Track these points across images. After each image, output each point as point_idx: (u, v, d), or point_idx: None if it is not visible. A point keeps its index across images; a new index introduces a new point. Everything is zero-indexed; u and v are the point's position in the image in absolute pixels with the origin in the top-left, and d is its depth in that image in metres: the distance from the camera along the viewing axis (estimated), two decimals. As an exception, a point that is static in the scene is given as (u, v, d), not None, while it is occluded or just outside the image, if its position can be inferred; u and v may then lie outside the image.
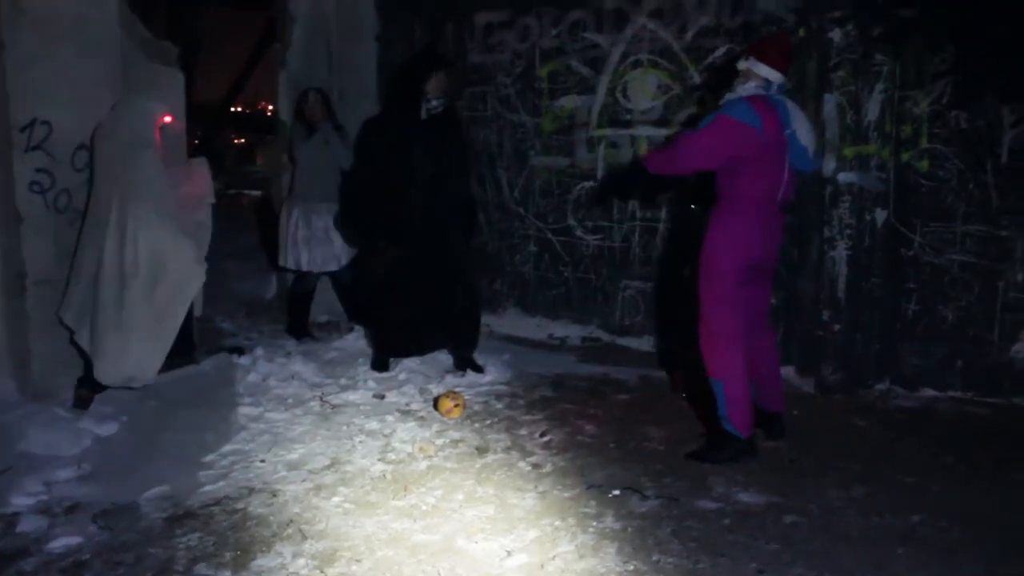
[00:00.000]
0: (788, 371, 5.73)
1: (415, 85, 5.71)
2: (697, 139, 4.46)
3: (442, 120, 5.79)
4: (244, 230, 10.56)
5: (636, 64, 6.37)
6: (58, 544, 3.53)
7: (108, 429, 4.70)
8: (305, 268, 6.67)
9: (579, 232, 6.78)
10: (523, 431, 4.89)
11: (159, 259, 4.86)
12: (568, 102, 6.73)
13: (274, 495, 3.99)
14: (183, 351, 5.40)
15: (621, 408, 5.34)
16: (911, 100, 5.49)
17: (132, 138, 4.95)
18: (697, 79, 6.14)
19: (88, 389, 4.98)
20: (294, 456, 4.47)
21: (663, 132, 6.24)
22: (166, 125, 5.23)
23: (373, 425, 4.92)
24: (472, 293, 6.08)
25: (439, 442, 4.68)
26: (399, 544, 3.53)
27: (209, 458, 4.44)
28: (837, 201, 5.58)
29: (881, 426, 5.05)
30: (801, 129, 4.52)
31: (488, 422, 5.03)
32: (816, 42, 5.61)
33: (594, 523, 3.75)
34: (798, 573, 3.36)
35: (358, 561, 3.39)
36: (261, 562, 3.39)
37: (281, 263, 6.81)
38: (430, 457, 4.47)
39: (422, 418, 5.06)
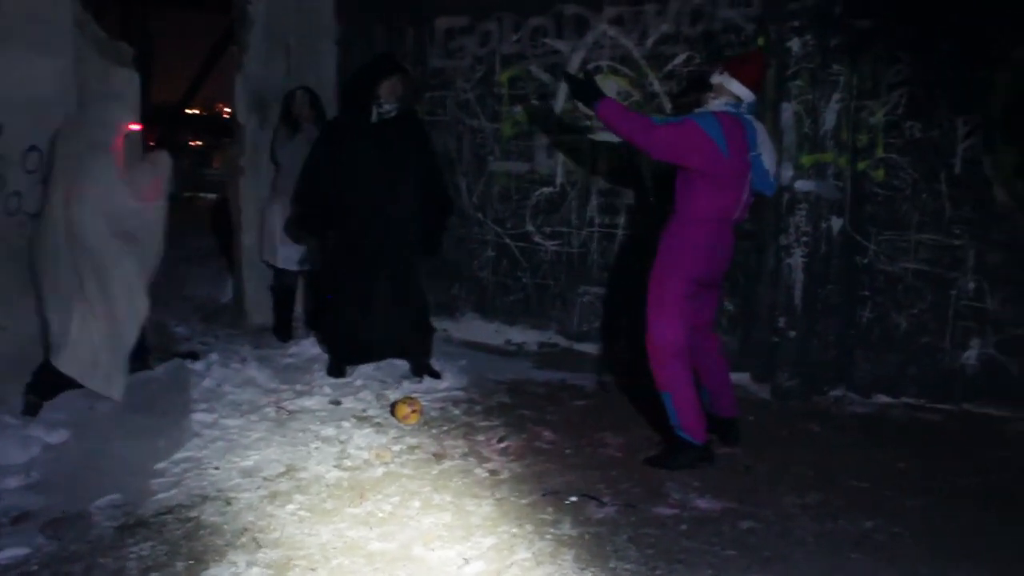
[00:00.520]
0: (744, 377, 5.78)
1: (368, 89, 5.70)
2: (661, 129, 4.46)
3: (396, 125, 5.77)
4: (200, 233, 10.42)
5: (596, 70, 6.37)
6: (4, 556, 3.43)
7: (58, 436, 4.61)
8: (280, 265, 6.67)
9: (537, 238, 6.77)
10: (480, 437, 4.87)
11: (104, 273, 4.81)
12: (528, 107, 6.73)
13: (228, 503, 3.93)
14: (136, 356, 5.33)
15: (578, 414, 5.34)
16: (867, 110, 5.55)
17: (92, 144, 4.88)
18: (657, 86, 6.16)
19: (37, 395, 4.89)
20: (249, 463, 4.41)
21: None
22: (131, 132, 5.17)
23: (329, 431, 4.87)
24: (424, 299, 6.06)
25: (396, 448, 4.65)
26: (355, 552, 3.50)
27: (162, 465, 4.37)
28: (794, 209, 5.62)
29: (836, 432, 5.10)
30: (766, 152, 4.56)
31: (445, 428, 5.01)
32: (775, 51, 5.65)
33: (551, 530, 3.74)
34: (754, 579, 3.38)
35: (313, 570, 3.35)
36: (214, 571, 3.33)
37: (261, 258, 6.82)
38: (387, 464, 4.44)
39: (379, 424, 5.03)
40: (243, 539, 3.60)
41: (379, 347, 5.92)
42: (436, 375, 5.85)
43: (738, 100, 4.51)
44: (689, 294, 4.50)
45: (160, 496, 4.01)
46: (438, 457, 4.55)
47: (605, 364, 6.25)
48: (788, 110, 5.61)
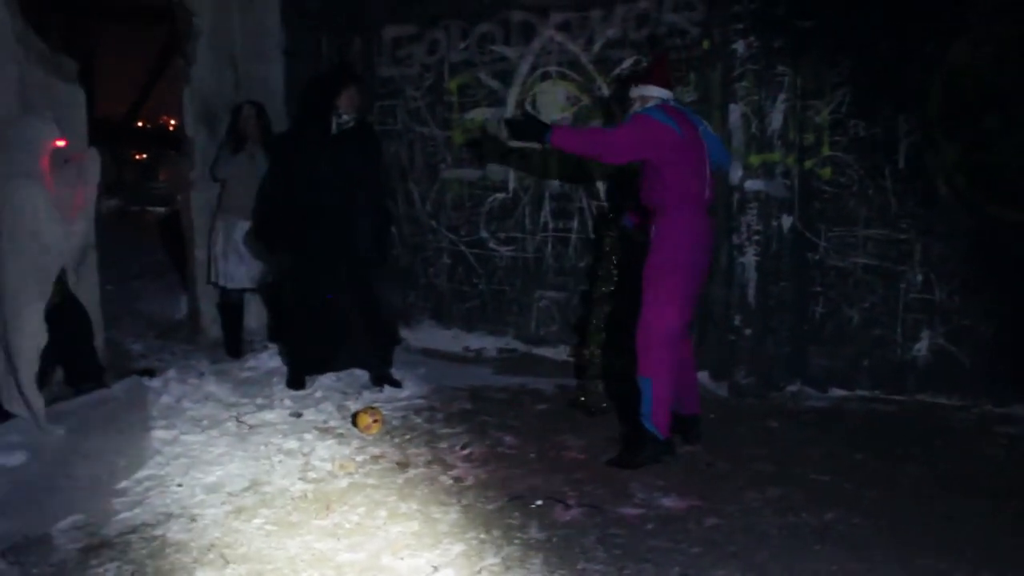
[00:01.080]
0: (703, 376, 5.82)
1: (326, 100, 5.70)
2: (618, 131, 4.63)
3: (353, 135, 5.78)
4: (150, 248, 10.30)
5: (545, 76, 6.43)
6: (-35, 582, 3.41)
7: (14, 459, 4.48)
8: (221, 283, 6.62)
9: (492, 244, 6.80)
10: (443, 445, 4.89)
11: (16, 294, 4.69)
12: (478, 114, 6.75)
13: (193, 520, 3.91)
14: (91, 374, 5.26)
15: (540, 418, 5.37)
16: (812, 109, 5.66)
17: (12, 168, 4.74)
18: (605, 90, 6.22)
19: (-9, 418, 4.81)
20: (212, 479, 4.38)
21: (573, 143, 6.30)
22: (57, 149, 5.03)
23: (292, 444, 4.85)
24: (384, 308, 6.06)
25: (359, 459, 4.65)
26: (324, 564, 3.49)
27: (123, 484, 4.33)
28: (744, 208, 5.71)
29: (793, 427, 5.18)
30: (708, 126, 4.83)
31: (408, 437, 5.02)
32: (720, 53, 5.74)
33: (519, 534, 3.76)
34: (721, 575, 3.42)
35: (283, 583, 3.35)
36: (183, 589, 3.32)
37: (208, 279, 6.74)
38: (351, 474, 4.43)
39: (341, 435, 5.02)
40: (210, 555, 3.57)
41: (340, 356, 5.91)
42: (396, 384, 5.85)
43: (660, 100, 4.67)
44: (687, 281, 4.59)
45: (123, 515, 3.98)
46: (402, 466, 4.56)
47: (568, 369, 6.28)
48: (736, 111, 5.70)
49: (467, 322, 6.99)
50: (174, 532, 3.79)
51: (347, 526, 3.83)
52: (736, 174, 5.71)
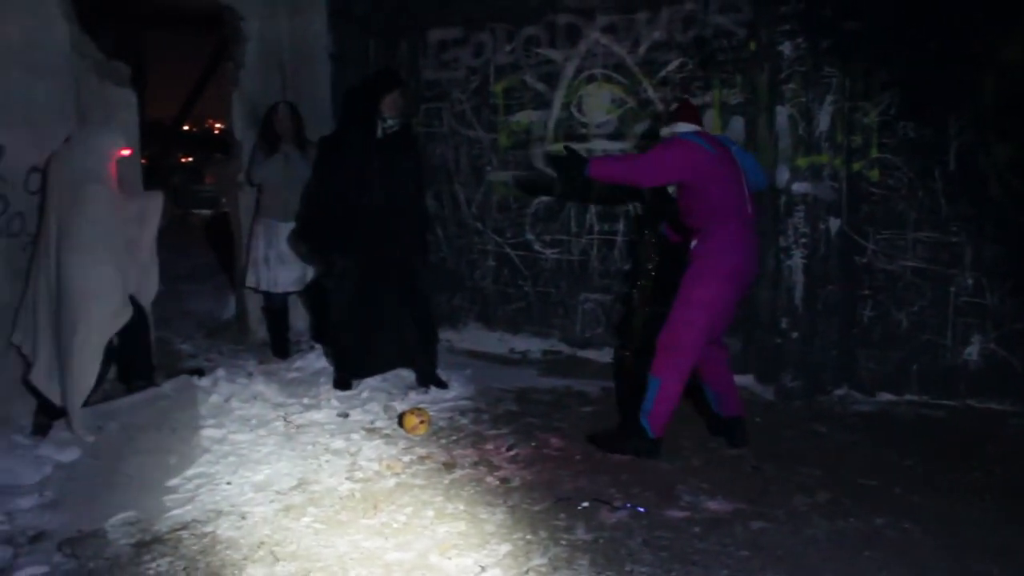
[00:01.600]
0: (748, 379, 5.83)
1: (371, 105, 5.74)
2: (651, 155, 4.75)
3: (397, 139, 5.82)
4: (197, 250, 10.45)
5: (590, 79, 6.43)
6: (24, 574, 3.47)
7: (69, 455, 4.63)
8: (263, 288, 6.65)
9: (537, 246, 6.81)
10: (489, 446, 4.90)
11: (83, 297, 4.80)
12: (524, 117, 6.77)
13: (243, 517, 3.96)
14: (143, 374, 5.36)
15: (585, 420, 5.36)
16: (861, 111, 5.60)
17: (82, 173, 4.89)
18: (651, 93, 6.20)
19: (47, 415, 4.92)
20: (260, 477, 4.44)
21: (618, 146, 6.30)
22: (122, 157, 5.18)
23: (339, 444, 4.89)
24: (429, 309, 6.10)
25: (406, 459, 4.68)
26: (373, 563, 3.52)
27: (174, 482, 4.39)
28: (791, 211, 5.67)
29: (841, 431, 5.14)
30: (740, 148, 4.96)
31: (454, 438, 5.04)
32: (767, 55, 5.71)
33: (565, 536, 3.77)
34: (769, 578, 3.42)
35: (332, 581, 3.39)
36: (233, 585, 3.37)
37: (246, 283, 6.79)
38: (398, 474, 4.46)
39: (388, 436, 5.05)
40: (260, 552, 3.62)
41: (386, 358, 5.96)
42: (443, 385, 5.88)
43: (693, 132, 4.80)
44: (724, 302, 4.64)
45: (174, 512, 4.03)
46: (448, 467, 4.58)
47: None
48: (783, 113, 5.66)
49: (512, 324, 7.00)
50: (224, 529, 3.84)
51: (394, 525, 3.86)
52: (783, 177, 5.67)
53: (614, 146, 6.33)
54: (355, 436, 5.02)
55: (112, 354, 5.10)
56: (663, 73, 6.16)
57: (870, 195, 5.63)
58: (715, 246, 4.63)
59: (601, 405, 5.66)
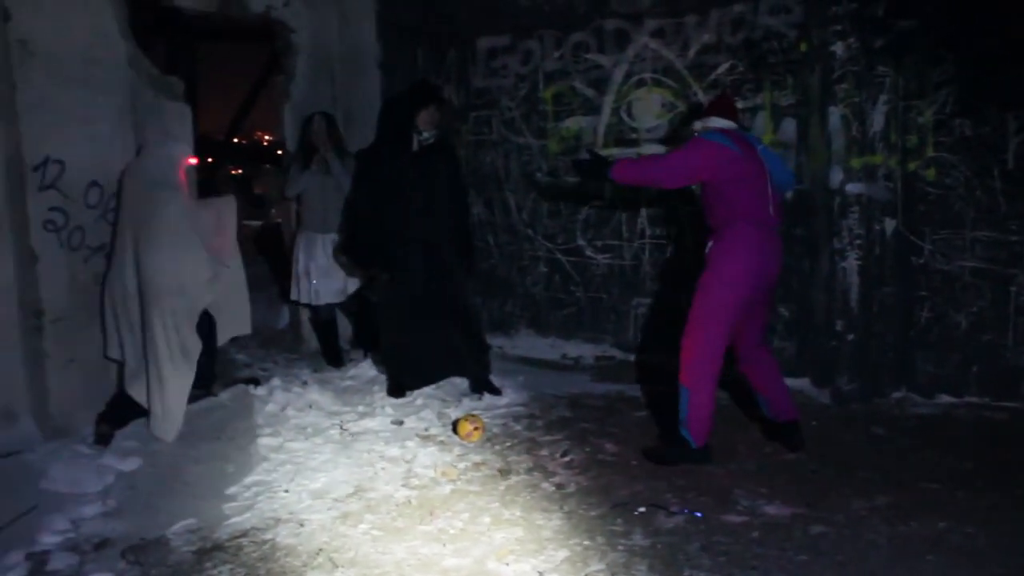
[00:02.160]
0: (803, 382, 5.77)
1: (406, 120, 5.80)
2: (672, 156, 4.75)
3: (434, 151, 5.88)
4: (249, 260, 10.56)
5: (640, 83, 6.42)
6: (90, 581, 3.54)
7: (130, 464, 4.72)
8: (304, 300, 6.71)
9: (589, 252, 6.80)
10: (544, 452, 4.90)
11: (165, 293, 4.92)
12: (573, 123, 6.77)
13: (301, 524, 3.99)
14: (202, 384, 5.43)
15: (639, 426, 5.35)
16: (915, 110, 5.53)
17: (156, 180, 5.04)
18: (701, 96, 6.17)
19: (109, 425, 5.01)
20: (317, 485, 4.48)
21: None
22: (190, 166, 5.33)
23: (394, 451, 4.92)
24: (477, 316, 6.13)
25: (461, 466, 4.69)
26: (430, 569, 3.54)
27: (233, 490, 4.46)
28: (846, 212, 5.61)
29: (900, 434, 5.06)
30: (768, 148, 4.86)
31: (508, 444, 5.04)
32: (818, 56, 5.65)
33: (623, 541, 3.76)
34: (830, 584, 3.38)
35: (391, 587, 3.41)
36: (294, 592, 3.40)
37: (291, 296, 6.85)
38: (453, 481, 4.48)
39: (442, 442, 5.07)
40: (319, 559, 3.65)
41: (437, 368, 5.99)
42: (496, 391, 5.89)
43: (722, 128, 4.73)
44: (739, 303, 4.57)
45: (234, 520, 4.08)
46: (504, 473, 4.59)
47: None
48: (835, 114, 5.60)
49: (565, 330, 7.00)
50: (283, 536, 3.88)
51: (451, 532, 3.88)
52: (837, 178, 5.62)
53: (665, 150, 6.30)
54: (410, 443, 5.05)
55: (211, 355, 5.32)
56: (713, 76, 6.14)
57: (926, 195, 5.55)
58: (727, 248, 4.58)
59: (655, 410, 5.63)
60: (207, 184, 8.49)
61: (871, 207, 5.58)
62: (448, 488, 4.39)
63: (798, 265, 5.84)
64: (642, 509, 4.06)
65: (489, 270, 7.21)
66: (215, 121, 17.05)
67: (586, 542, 3.74)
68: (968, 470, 4.46)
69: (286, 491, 4.41)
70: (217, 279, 5.22)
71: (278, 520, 4.06)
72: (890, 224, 5.60)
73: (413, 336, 5.87)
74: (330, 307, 6.80)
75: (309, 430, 5.30)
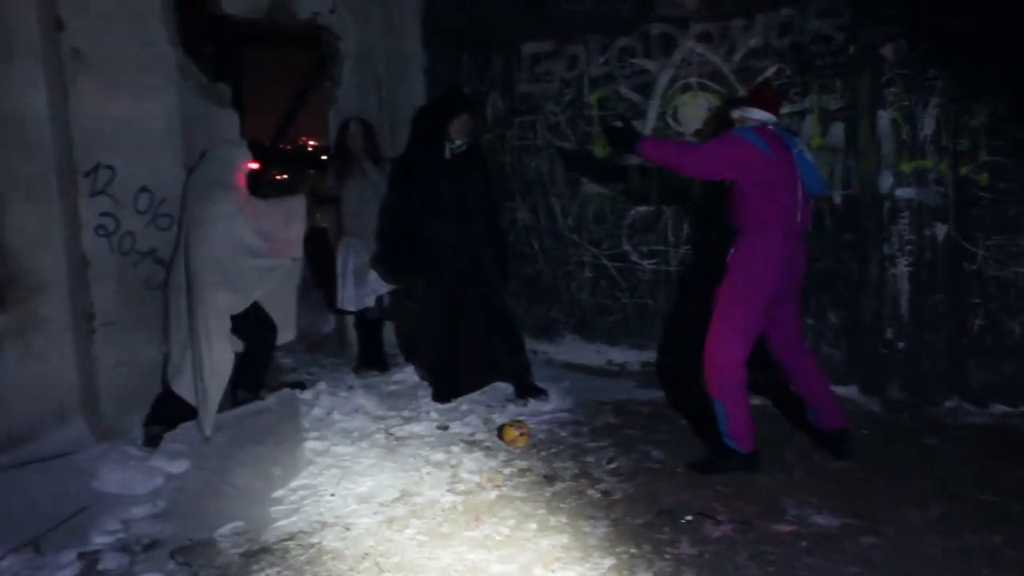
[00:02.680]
0: (852, 390, 5.69)
1: (439, 127, 5.83)
2: (704, 147, 4.66)
3: (466, 159, 5.90)
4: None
5: (686, 88, 6.37)
6: (140, 582, 3.58)
7: (179, 466, 4.77)
8: (340, 306, 6.74)
9: (635, 257, 6.76)
10: (590, 458, 4.88)
11: (208, 288, 4.99)
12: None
13: (347, 528, 4.01)
14: (251, 387, 5.48)
15: (685, 433, 5.30)
16: (967, 113, 5.42)
17: (211, 180, 5.16)
18: (748, 101, 6.11)
19: (159, 427, 5.06)
20: (363, 489, 4.49)
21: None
22: (250, 169, 5.44)
23: (439, 456, 4.93)
24: (514, 321, 6.17)
25: (507, 471, 4.68)
26: (476, 575, 3.53)
27: (279, 493, 4.49)
28: (896, 217, 5.52)
29: (952, 444, 4.96)
30: (805, 151, 4.71)
31: (554, 450, 5.02)
32: (867, 59, 5.57)
33: (669, 549, 3.73)
34: (882, 596, 3.32)
35: (437, 593, 3.40)
36: (341, 596, 3.41)
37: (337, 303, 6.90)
38: (499, 487, 4.47)
39: (488, 448, 5.07)
40: (365, 564, 3.66)
41: (479, 375, 6.01)
42: (542, 392, 5.88)
43: (762, 123, 4.62)
44: (760, 308, 4.52)
45: (281, 523, 4.11)
46: (549, 479, 4.57)
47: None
48: (885, 117, 5.52)
49: (610, 336, 6.96)
50: (329, 540, 3.90)
51: (497, 538, 3.87)
52: (886, 182, 5.53)
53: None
54: (455, 448, 5.05)
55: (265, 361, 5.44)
56: (760, 80, 6.07)
57: (979, 199, 5.44)
58: (745, 258, 4.54)
59: (701, 418, 5.57)
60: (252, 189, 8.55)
61: (922, 212, 5.49)
62: (494, 494, 4.38)
63: (847, 271, 5.76)
64: (689, 517, 4.03)
65: (534, 276, 7.19)
66: (260, 127, 17.21)
67: (632, 550, 3.72)
68: (1024, 481, 4.38)
69: (332, 495, 4.43)
70: (271, 272, 5.32)
71: (324, 524, 4.08)
72: (941, 229, 5.50)
73: (456, 342, 5.88)
74: (374, 310, 6.81)
75: (355, 434, 5.32)
